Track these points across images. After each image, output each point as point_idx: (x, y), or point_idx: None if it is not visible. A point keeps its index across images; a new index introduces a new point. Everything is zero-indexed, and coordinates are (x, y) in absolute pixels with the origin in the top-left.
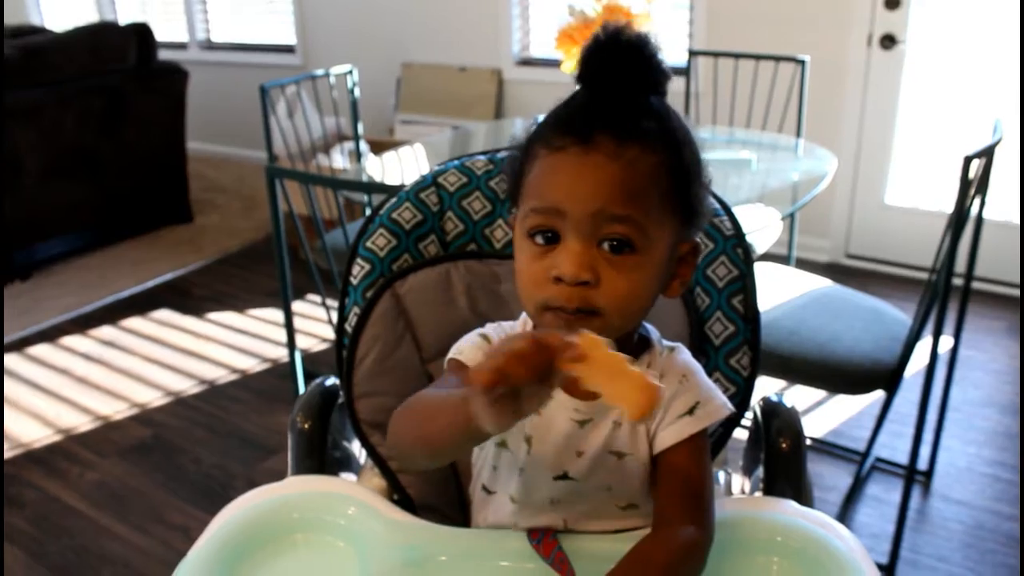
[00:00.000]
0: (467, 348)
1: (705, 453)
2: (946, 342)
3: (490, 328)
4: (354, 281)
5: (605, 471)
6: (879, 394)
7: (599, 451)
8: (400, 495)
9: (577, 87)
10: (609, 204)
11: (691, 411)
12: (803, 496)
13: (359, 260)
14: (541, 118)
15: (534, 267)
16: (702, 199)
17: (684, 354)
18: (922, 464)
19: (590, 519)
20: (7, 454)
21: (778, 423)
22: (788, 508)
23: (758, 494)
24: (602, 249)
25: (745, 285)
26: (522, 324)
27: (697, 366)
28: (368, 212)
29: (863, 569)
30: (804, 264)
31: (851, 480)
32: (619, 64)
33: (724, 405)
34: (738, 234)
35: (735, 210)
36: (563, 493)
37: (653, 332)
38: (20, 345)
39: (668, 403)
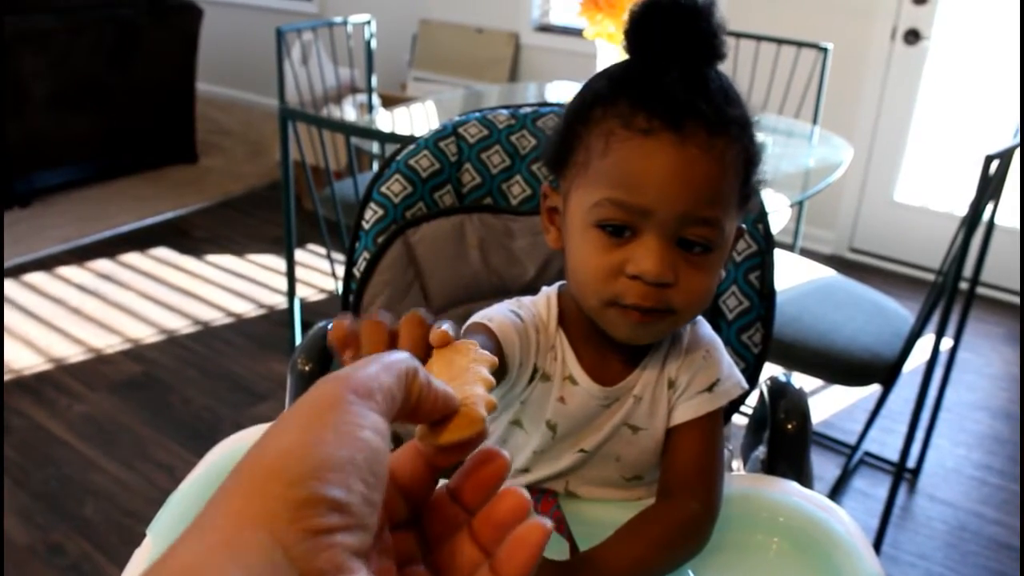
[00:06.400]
0: (498, 318)
1: (718, 431)
2: (945, 343)
3: (526, 306)
4: (366, 225)
5: (618, 442)
6: (873, 388)
7: (616, 424)
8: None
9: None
10: (697, 207)
11: (711, 388)
12: (804, 478)
13: (372, 204)
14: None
15: (603, 259)
16: (759, 183)
17: (706, 327)
18: (911, 462)
19: (593, 485)
20: None
21: (785, 403)
22: (790, 489)
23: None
24: (678, 247)
25: (764, 262)
26: (546, 303)
27: (718, 340)
28: (378, 163)
29: (863, 553)
30: (807, 254)
31: (838, 472)
32: (682, 31)
33: (740, 383)
34: (760, 210)
35: None
36: (573, 463)
37: None
38: (16, 272)
39: (690, 378)
